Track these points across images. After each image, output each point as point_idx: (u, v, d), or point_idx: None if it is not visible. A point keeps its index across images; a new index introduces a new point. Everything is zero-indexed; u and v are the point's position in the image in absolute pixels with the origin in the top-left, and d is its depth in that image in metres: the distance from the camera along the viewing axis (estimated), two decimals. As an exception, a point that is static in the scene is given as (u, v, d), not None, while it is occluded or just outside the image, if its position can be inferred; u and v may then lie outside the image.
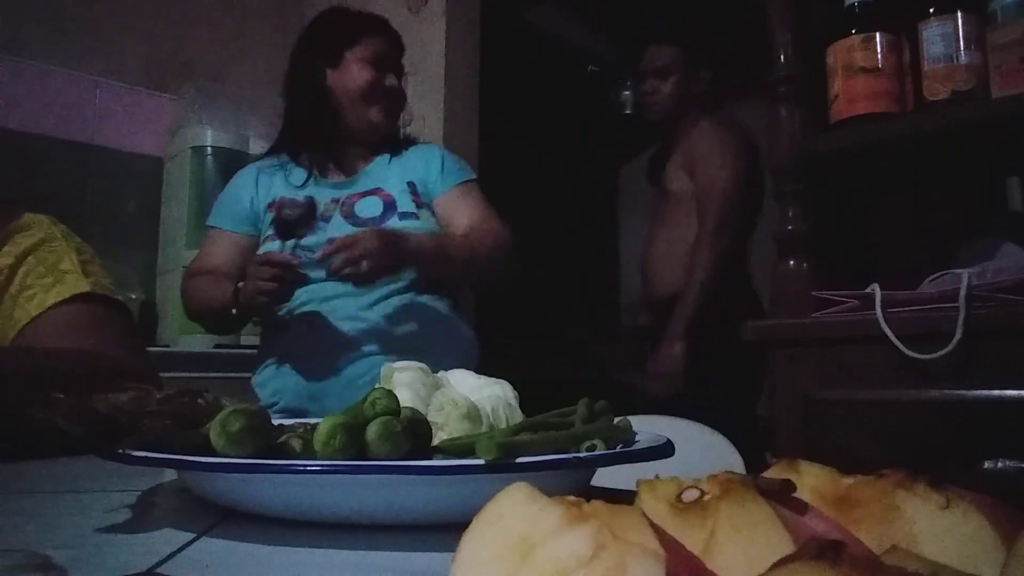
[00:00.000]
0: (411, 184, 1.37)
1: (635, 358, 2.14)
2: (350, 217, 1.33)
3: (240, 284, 1.19)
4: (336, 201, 1.36)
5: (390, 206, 1.34)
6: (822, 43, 1.19)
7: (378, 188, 1.36)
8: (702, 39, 2.11)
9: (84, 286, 0.93)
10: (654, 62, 2.02)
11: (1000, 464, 0.90)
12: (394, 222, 1.31)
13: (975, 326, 0.94)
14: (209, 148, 2.02)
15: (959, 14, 1.07)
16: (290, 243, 1.25)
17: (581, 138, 3.21)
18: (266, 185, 1.41)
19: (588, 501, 0.21)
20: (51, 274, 0.93)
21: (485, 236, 1.32)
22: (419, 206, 1.35)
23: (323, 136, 1.41)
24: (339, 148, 1.43)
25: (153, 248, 2.14)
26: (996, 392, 0.93)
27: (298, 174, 1.41)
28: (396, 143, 1.45)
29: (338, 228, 1.29)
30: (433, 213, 1.39)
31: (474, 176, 1.46)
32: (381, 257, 1.13)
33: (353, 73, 1.38)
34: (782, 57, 1.19)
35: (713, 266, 1.83)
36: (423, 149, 1.47)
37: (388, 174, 1.40)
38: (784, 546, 0.20)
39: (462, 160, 1.49)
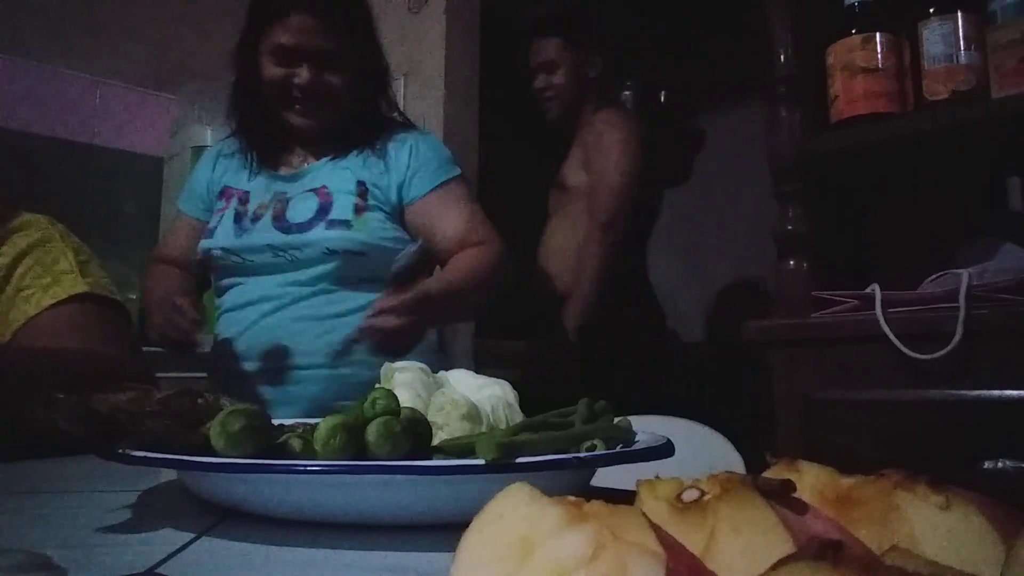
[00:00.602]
0: (361, 184, 1.17)
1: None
2: (279, 220, 1.15)
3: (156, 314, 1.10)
4: (275, 198, 1.19)
5: (322, 211, 1.14)
6: (822, 43, 1.19)
7: (322, 186, 1.17)
8: (586, 28, 2.02)
9: (82, 286, 0.93)
10: (539, 57, 1.95)
11: (1000, 464, 0.90)
12: (318, 232, 1.12)
13: (975, 326, 0.94)
14: (209, 147, 2.02)
15: (959, 14, 1.07)
16: (232, 242, 1.16)
17: (581, 138, 3.21)
18: (221, 170, 1.29)
19: (588, 501, 0.21)
20: (48, 274, 0.93)
21: (480, 258, 1.15)
22: (363, 210, 1.14)
23: (260, 129, 1.25)
24: (282, 140, 1.25)
25: (153, 247, 2.14)
26: (996, 392, 0.93)
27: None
28: (348, 140, 1.22)
29: (263, 234, 1.14)
30: (395, 218, 1.18)
31: (457, 171, 1.23)
32: (410, 337, 1.01)
33: (261, 69, 1.18)
34: (782, 57, 1.19)
35: (603, 263, 1.75)
36: (395, 143, 1.22)
37: (335, 170, 1.20)
38: (784, 546, 0.20)
39: (441, 150, 1.25)
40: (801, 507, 0.22)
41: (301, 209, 1.15)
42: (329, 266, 1.12)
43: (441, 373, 0.51)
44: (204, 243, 1.19)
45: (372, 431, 0.38)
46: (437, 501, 0.36)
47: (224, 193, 1.24)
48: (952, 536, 0.22)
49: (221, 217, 1.20)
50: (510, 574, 0.20)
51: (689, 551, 0.20)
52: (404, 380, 0.47)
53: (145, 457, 0.38)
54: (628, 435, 0.43)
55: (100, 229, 2.01)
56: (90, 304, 0.93)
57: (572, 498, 0.22)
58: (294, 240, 1.13)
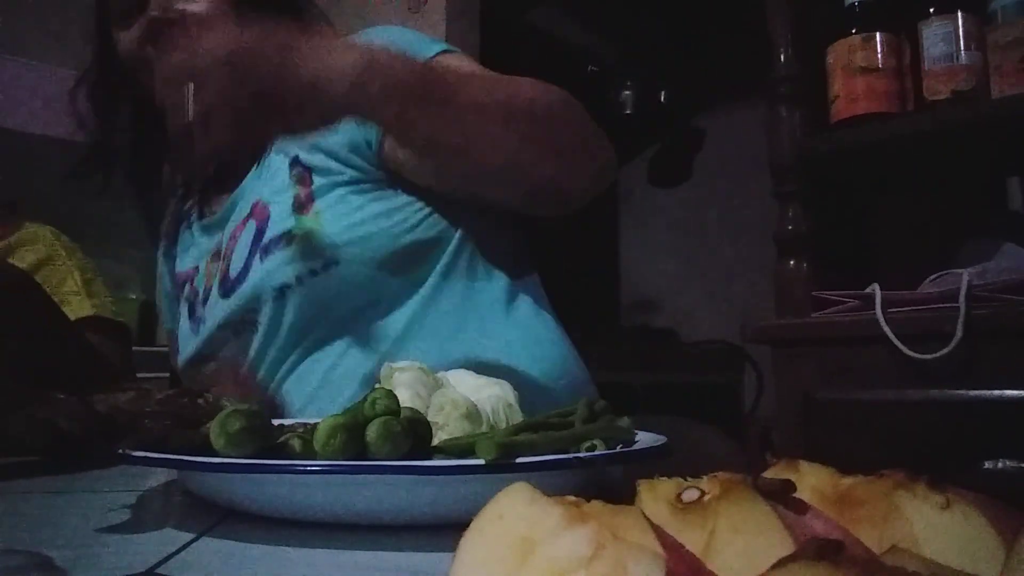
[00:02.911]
0: (296, 163, 0.77)
1: (635, 358, 2.14)
2: (224, 283, 0.78)
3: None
4: (216, 252, 0.83)
5: (257, 238, 0.76)
6: (822, 43, 1.19)
7: (256, 200, 0.79)
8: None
9: (88, 309, 0.94)
10: None
11: (1000, 464, 0.90)
12: (255, 273, 0.74)
13: (975, 326, 0.94)
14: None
15: (959, 14, 1.07)
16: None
17: (581, 138, 3.20)
18: (170, 261, 0.96)
19: (588, 501, 0.21)
20: (56, 295, 0.93)
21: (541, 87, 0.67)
22: (309, 201, 0.75)
23: (151, 149, 0.90)
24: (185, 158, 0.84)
25: (153, 248, 2.14)
26: (996, 392, 0.93)
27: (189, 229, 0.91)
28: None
29: (213, 313, 0.79)
30: (378, 180, 0.75)
31: (439, 46, 0.75)
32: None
33: (119, 60, 0.83)
34: (782, 57, 1.19)
35: None
36: None
37: (267, 165, 0.80)
38: (784, 546, 0.20)
39: (404, 33, 0.79)
40: (801, 507, 0.22)
41: (240, 250, 0.78)
42: (293, 313, 0.72)
43: (441, 373, 0.51)
44: (177, 364, 0.89)
45: (372, 431, 0.38)
46: (437, 501, 0.36)
47: (180, 286, 0.90)
48: (952, 536, 0.22)
49: (179, 321, 0.88)
50: (510, 574, 0.20)
51: (689, 551, 0.20)
52: (404, 380, 0.47)
53: (145, 457, 0.38)
54: (628, 435, 0.43)
55: (99, 229, 2.00)
56: (95, 327, 0.94)
57: (572, 498, 0.22)
58: (238, 303, 0.75)
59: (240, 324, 0.76)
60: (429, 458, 0.39)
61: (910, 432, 0.99)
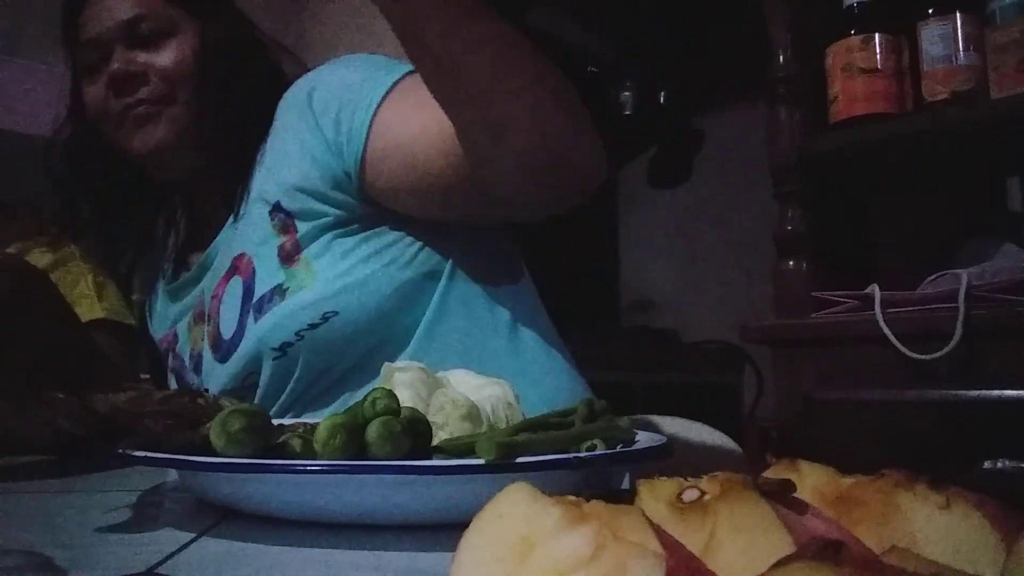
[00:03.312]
0: (277, 210, 0.72)
1: (635, 358, 2.14)
2: (216, 346, 0.74)
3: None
4: (198, 313, 0.79)
5: (246, 296, 0.72)
6: (822, 43, 1.19)
7: (239, 253, 0.74)
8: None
9: (99, 312, 0.95)
10: None
11: (1000, 464, 0.91)
12: (252, 335, 0.70)
13: (974, 326, 0.94)
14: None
15: (958, 15, 1.08)
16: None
17: (581, 138, 3.20)
18: (151, 326, 0.90)
19: (588, 501, 0.21)
20: (68, 297, 0.94)
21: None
22: (296, 250, 0.70)
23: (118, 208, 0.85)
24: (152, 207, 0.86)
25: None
26: (996, 392, 0.93)
27: (162, 292, 0.86)
28: (234, 148, 0.77)
29: (214, 381, 0.74)
30: (365, 216, 0.71)
31: (404, 69, 0.69)
32: None
33: (86, 112, 0.79)
34: (782, 57, 1.20)
35: None
36: (288, 103, 0.75)
37: (246, 215, 0.75)
38: (784, 546, 0.20)
39: (363, 61, 0.74)
40: (801, 507, 0.22)
41: (228, 310, 0.73)
42: (300, 369, 0.69)
43: (441, 373, 0.51)
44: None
45: (372, 431, 0.37)
46: (437, 501, 0.36)
47: (166, 350, 0.84)
48: (952, 536, 0.22)
49: (170, 383, 0.84)
50: (510, 574, 0.20)
51: (689, 551, 0.20)
52: (404, 380, 0.47)
53: (145, 457, 0.38)
54: (628, 435, 0.43)
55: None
56: (104, 330, 0.95)
57: (572, 498, 0.22)
58: (238, 367, 0.71)
59: (242, 388, 0.72)
60: (429, 458, 0.39)
61: (910, 432, 0.99)
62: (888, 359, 1.00)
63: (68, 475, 0.56)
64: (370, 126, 0.67)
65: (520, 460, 0.35)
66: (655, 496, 0.24)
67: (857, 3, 1.16)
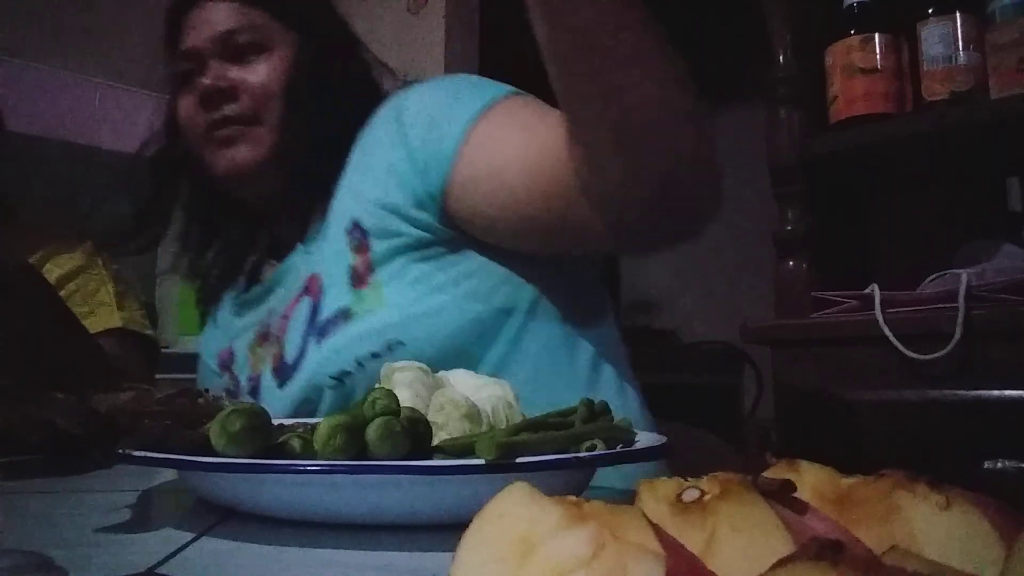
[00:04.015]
0: (355, 227, 0.69)
1: (635, 358, 2.14)
2: (279, 368, 0.71)
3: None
4: (263, 333, 0.76)
5: (312, 318, 0.69)
6: (821, 44, 1.19)
7: (311, 274, 0.72)
8: None
9: (116, 321, 0.95)
10: None
11: (1000, 464, 0.91)
12: (312, 359, 0.67)
13: (974, 326, 0.94)
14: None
15: (958, 15, 1.08)
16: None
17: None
18: (208, 335, 0.88)
19: (588, 501, 0.21)
20: (88, 304, 0.96)
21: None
22: (367, 272, 0.67)
23: (202, 225, 0.83)
24: (233, 224, 0.82)
25: (153, 249, 2.14)
26: (996, 392, 0.93)
27: (228, 301, 0.84)
28: (318, 170, 0.74)
29: (272, 403, 0.69)
30: (445, 240, 0.67)
31: (501, 90, 0.67)
32: None
33: (178, 125, 0.77)
34: (782, 57, 1.20)
35: None
36: (377, 124, 0.72)
37: (323, 235, 0.72)
38: (784, 546, 0.20)
39: (460, 81, 0.73)
40: (801, 507, 0.22)
41: (294, 332, 0.70)
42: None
43: (441, 373, 0.51)
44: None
45: (372, 431, 0.38)
46: (437, 501, 0.36)
47: (221, 366, 0.82)
48: (952, 536, 0.22)
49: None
50: (510, 574, 0.20)
51: (689, 551, 0.20)
52: (404, 380, 0.47)
53: (145, 457, 0.38)
54: (628, 435, 0.43)
55: (99, 230, 2.01)
56: (121, 338, 0.95)
57: (572, 498, 0.22)
58: (297, 393, 0.68)
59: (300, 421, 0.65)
60: (429, 458, 0.39)
61: (910, 432, 0.99)
62: (888, 359, 1.00)
63: (68, 475, 0.56)
64: (460, 144, 0.63)
65: (520, 460, 0.35)
66: (655, 496, 0.24)
67: (857, 3, 1.16)
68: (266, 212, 0.80)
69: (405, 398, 0.45)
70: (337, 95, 0.75)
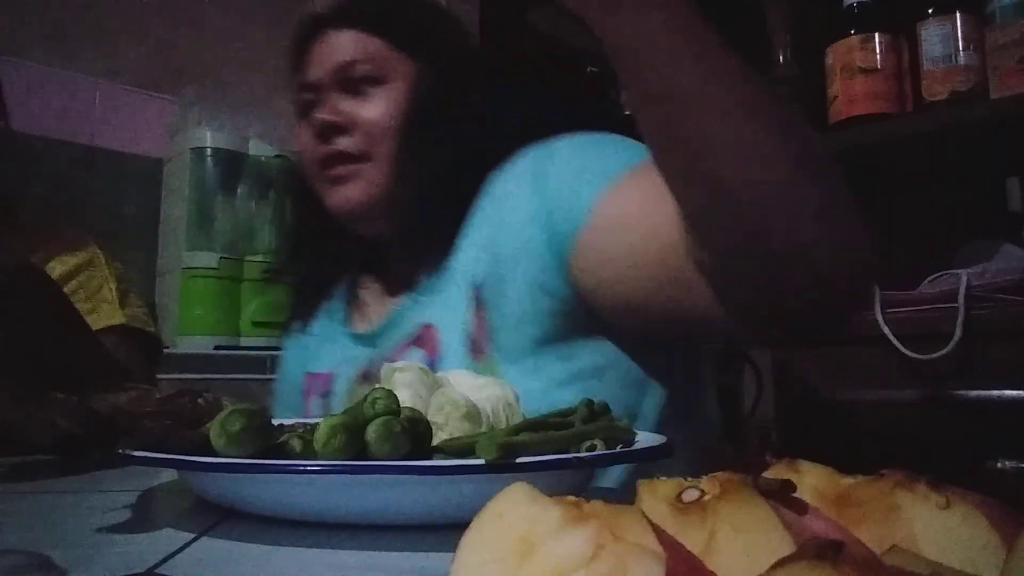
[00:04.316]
0: (476, 289, 0.66)
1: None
2: None
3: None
4: (363, 377, 0.73)
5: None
6: (821, 43, 1.19)
7: (424, 325, 0.69)
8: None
9: (118, 318, 0.96)
10: None
11: (1000, 464, 0.91)
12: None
13: (974, 326, 0.94)
14: (209, 149, 2.02)
15: (958, 15, 1.08)
16: None
17: (581, 138, 3.20)
18: (295, 348, 0.87)
19: (588, 501, 0.21)
20: (91, 300, 0.96)
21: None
22: (484, 339, 0.64)
23: (310, 253, 0.83)
24: (343, 264, 0.83)
25: (153, 249, 2.14)
26: (996, 392, 0.93)
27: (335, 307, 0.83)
28: (440, 216, 0.71)
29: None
30: (560, 307, 0.62)
31: (637, 155, 0.59)
32: None
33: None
34: (782, 57, 1.20)
35: None
36: (508, 174, 0.69)
37: (438, 286, 0.70)
38: (784, 546, 0.20)
39: (600, 139, 0.66)
40: (801, 507, 0.22)
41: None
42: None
43: (441, 373, 0.51)
44: None
45: (372, 431, 0.37)
46: (437, 501, 0.36)
47: (310, 390, 0.79)
48: (952, 536, 0.22)
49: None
50: (510, 574, 0.20)
51: (689, 551, 0.20)
52: (404, 380, 0.47)
53: (145, 457, 0.38)
54: (628, 435, 0.43)
55: (100, 230, 2.01)
56: (123, 336, 0.95)
57: (572, 498, 0.22)
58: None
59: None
60: (429, 458, 0.39)
61: (910, 432, 0.99)
62: (888, 359, 1.00)
63: (68, 475, 0.56)
64: (593, 204, 0.58)
65: (520, 460, 0.35)
66: (655, 496, 0.24)
67: (857, 3, 1.16)
68: (377, 246, 0.78)
69: (405, 398, 0.45)
70: (454, 133, 0.71)
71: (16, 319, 0.68)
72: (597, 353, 0.64)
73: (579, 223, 0.59)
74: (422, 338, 0.69)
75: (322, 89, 0.72)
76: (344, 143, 0.71)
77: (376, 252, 0.79)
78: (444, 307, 0.68)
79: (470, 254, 0.68)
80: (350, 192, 0.71)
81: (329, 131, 0.71)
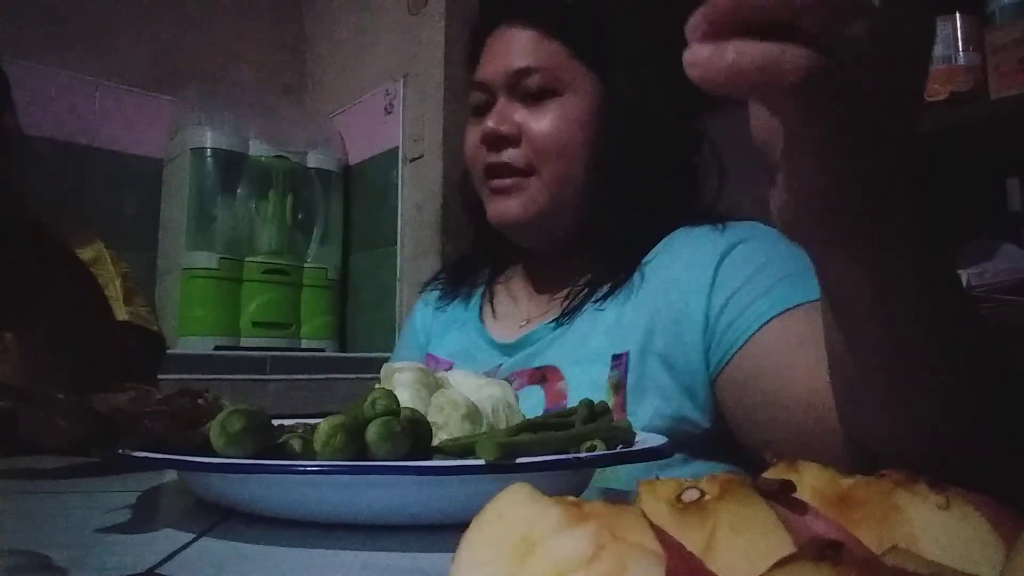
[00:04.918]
0: (616, 365, 0.62)
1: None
2: None
3: None
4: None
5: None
6: (822, 44, 1.19)
7: (546, 366, 0.67)
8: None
9: (123, 315, 0.96)
10: None
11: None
12: None
13: (975, 326, 0.94)
14: (208, 149, 2.02)
15: (958, 15, 1.08)
16: None
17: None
18: (429, 317, 0.87)
19: (588, 501, 0.21)
20: None
21: None
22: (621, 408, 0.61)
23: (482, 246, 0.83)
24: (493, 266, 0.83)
25: (153, 249, 2.14)
26: (996, 392, 0.93)
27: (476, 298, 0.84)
28: (599, 257, 0.70)
29: None
30: (690, 418, 0.60)
31: (813, 291, 0.46)
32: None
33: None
34: (782, 58, 1.20)
35: None
36: (673, 250, 0.67)
37: (572, 330, 0.67)
38: (784, 546, 0.20)
39: (779, 251, 0.60)
40: (801, 507, 0.22)
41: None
42: None
43: (441, 373, 0.51)
44: None
45: (372, 431, 0.38)
46: (437, 501, 0.36)
47: (428, 359, 0.80)
48: (952, 536, 0.22)
49: None
50: (510, 574, 0.20)
51: (689, 551, 0.20)
52: (404, 380, 0.47)
53: (145, 457, 0.38)
54: (628, 435, 0.43)
55: (100, 230, 2.01)
56: (127, 333, 0.96)
57: (572, 498, 0.22)
58: None
59: None
60: (429, 458, 0.39)
61: (910, 432, 0.98)
62: (888, 359, 1.00)
63: (68, 475, 0.56)
64: (753, 333, 0.56)
65: (520, 460, 0.35)
66: (655, 496, 0.24)
67: (857, 3, 1.16)
68: (530, 255, 0.77)
69: (405, 398, 0.45)
70: (628, 161, 0.68)
71: (61, 305, 0.68)
72: (722, 456, 0.62)
73: (735, 347, 0.56)
74: (546, 379, 0.66)
75: (495, 91, 0.70)
76: (510, 155, 0.68)
77: (528, 258, 0.78)
78: (583, 363, 0.64)
79: (624, 315, 0.64)
80: (510, 205, 0.69)
81: (497, 141, 0.69)
